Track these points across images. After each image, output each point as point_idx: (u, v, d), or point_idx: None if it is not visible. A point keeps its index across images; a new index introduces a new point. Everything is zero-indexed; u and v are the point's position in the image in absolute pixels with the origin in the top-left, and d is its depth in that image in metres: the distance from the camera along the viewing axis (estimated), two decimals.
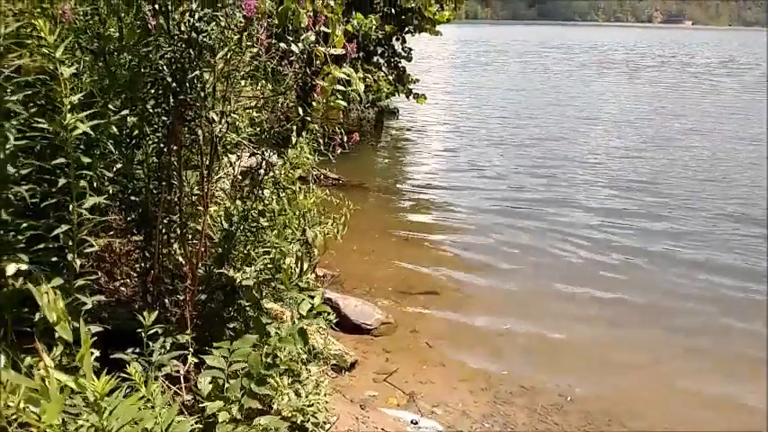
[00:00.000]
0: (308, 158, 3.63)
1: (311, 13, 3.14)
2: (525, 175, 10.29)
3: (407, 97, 14.51)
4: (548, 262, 6.69)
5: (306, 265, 4.26)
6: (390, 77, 14.06)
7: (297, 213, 4.12)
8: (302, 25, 3.06)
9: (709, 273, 6.43)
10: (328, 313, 4.60)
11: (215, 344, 2.62)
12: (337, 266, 6.03)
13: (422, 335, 4.92)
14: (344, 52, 3.21)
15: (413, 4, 13.44)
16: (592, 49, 50.63)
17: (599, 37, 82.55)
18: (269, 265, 3.65)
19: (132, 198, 3.24)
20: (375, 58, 14.18)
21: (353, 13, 12.20)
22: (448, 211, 8.49)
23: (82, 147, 2.34)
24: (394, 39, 14.38)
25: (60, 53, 2.11)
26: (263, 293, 3.70)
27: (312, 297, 4.21)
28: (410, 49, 15.13)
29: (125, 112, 2.67)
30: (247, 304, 3.38)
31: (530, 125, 15.17)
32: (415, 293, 5.75)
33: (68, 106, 2.12)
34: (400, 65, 14.78)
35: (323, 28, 3.19)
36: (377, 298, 5.56)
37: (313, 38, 3.11)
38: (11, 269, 2.03)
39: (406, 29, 14.21)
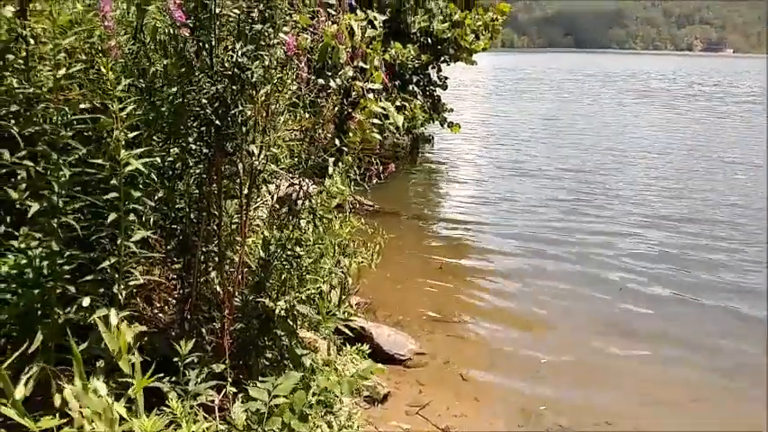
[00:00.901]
0: (344, 188, 3.68)
1: (350, 49, 3.21)
2: (559, 208, 10.14)
3: (442, 125, 14.59)
4: (585, 295, 6.58)
5: (342, 296, 4.31)
6: (425, 106, 14.17)
7: (333, 242, 4.17)
8: (341, 61, 3.13)
9: (751, 309, 6.26)
10: (362, 343, 4.67)
11: (260, 378, 2.65)
12: (370, 294, 6.04)
13: (456, 366, 4.88)
14: (382, 87, 3.27)
15: (449, 35, 13.57)
16: (629, 78, 50.20)
17: (637, 65, 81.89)
18: (305, 295, 3.69)
19: (173, 227, 3.32)
20: (411, 87, 14.33)
21: (391, 42, 12.39)
22: (481, 242, 8.45)
23: (129, 180, 2.41)
24: (430, 67, 14.53)
25: (119, 91, 2.19)
26: (299, 323, 3.74)
27: (348, 327, 4.26)
28: (446, 78, 15.25)
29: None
30: (282, 334, 3.42)
31: (564, 155, 15.03)
32: (449, 323, 5.72)
33: (122, 142, 2.20)
34: (435, 93, 14.90)
35: (361, 63, 3.25)
36: (410, 327, 5.54)
37: (351, 73, 3.17)
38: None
39: (442, 58, 14.35)
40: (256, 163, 3.12)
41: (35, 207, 2.20)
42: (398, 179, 11.61)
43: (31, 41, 2.36)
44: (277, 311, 3.43)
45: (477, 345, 5.36)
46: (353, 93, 3.35)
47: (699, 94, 36.05)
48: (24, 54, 2.37)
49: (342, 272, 4.42)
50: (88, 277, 2.30)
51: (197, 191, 3.23)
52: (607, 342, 5.49)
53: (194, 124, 2.86)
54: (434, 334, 5.48)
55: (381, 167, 3.54)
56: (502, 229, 8.90)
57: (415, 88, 14.53)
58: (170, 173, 2.95)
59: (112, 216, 2.25)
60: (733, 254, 8.02)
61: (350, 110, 3.33)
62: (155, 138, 2.86)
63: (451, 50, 14.04)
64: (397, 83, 13.06)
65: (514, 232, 8.74)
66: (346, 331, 4.27)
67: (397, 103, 12.45)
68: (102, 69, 2.15)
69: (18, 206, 2.34)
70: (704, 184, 12.24)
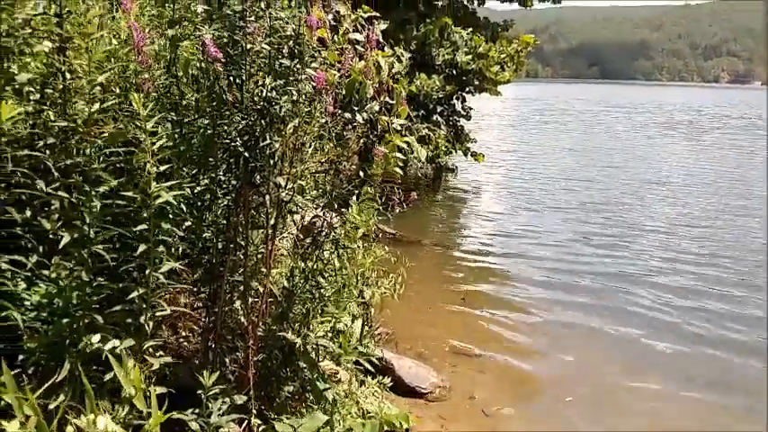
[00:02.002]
0: (366, 219, 3.71)
1: (377, 84, 3.25)
2: (582, 243, 9.97)
3: (466, 155, 14.64)
4: (607, 331, 6.47)
5: (364, 327, 4.30)
6: (449, 135, 14.24)
7: (355, 272, 4.18)
8: (368, 96, 3.17)
9: None
10: (384, 375, 4.64)
11: (280, 410, 2.65)
12: (391, 324, 6.00)
13: (478, 401, 4.81)
14: (408, 123, 3.30)
15: (474, 66, 13.67)
16: (655, 110, 49.97)
17: (663, 97, 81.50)
18: (327, 326, 3.70)
19: (200, 256, 3.35)
20: (435, 117, 14.42)
21: (417, 73, 12.52)
22: (504, 275, 8.37)
23: (159, 211, 2.45)
24: (454, 98, 14.63)
25: (151, 126, 2.25)
26: (321, 354, 3.73)
27: (370, 361, 4.24)
28: (470, 108, 15.34)
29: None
30: (305, 366, 3.41)
31: (588, 188, 14.89)
32: (472, 356, 5.66)
33: (153, 175, 2.24)
34: (459, 123, 14.97)
35: (387, 99, 3.29)
36: (431, 359, 5.49)
37: (377, 108, 3.21)
38: (95, 338, 2.12)
39: (467, 89, 14.44)
40: (283, 194, 3.16)
41: (67, 238, 2.25)
42: (421, 208, 11.61)
43: (68, 76, 2.43)
44: (299, 343, 3.43)
45: (500, 379, 5.29)
46: (379, 126, 3.38)
47: (725, 127, 35.71)
48: (61, 88, 2.45)
49: (364, 302, 4.43)
50: (116, 308, 2.33)
51: (224, 221, 3.26)
52: (631, 379, 5.39)
53: (224, 156, 2.90)
54: (457, 367, 5.42)
55: (404, 196, 3.55)
56: (524, 262, 8.83)
57: (439, 118, 14.61)
58: (199, 203, 2.99)
59: (142, 247, 2.29)
60: (758, 292, 7.84)
61: (375, 143, 3.36)
62: (185, 169, 2.91)
63: (476, 81, 14.13)
64: (421, 113, 13.16)
65: (537, 266, 8.66)
66: (366, 365, 4.24)
67: (421, 133, 12.56)
68: (135, 105, 2.20)
69: (51, 236, 2.39)
70: (730, 220, 12.02)
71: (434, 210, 12.35)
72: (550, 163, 18.94)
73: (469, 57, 13.74)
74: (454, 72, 13.89)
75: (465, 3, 15.69)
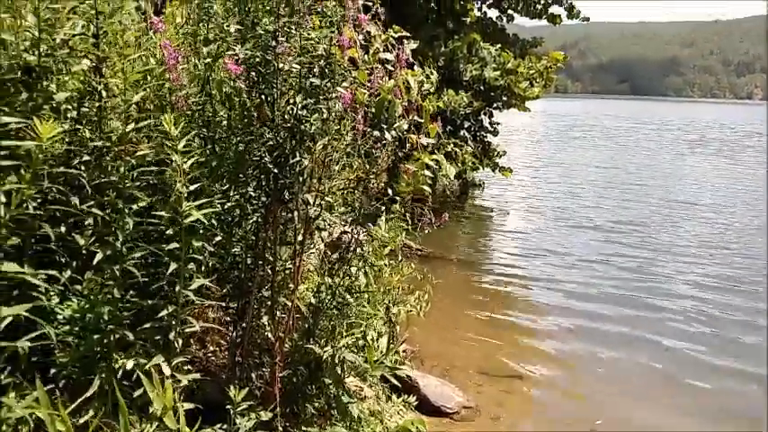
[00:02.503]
0: (394, 236, 3.71)
1: (406, 103, 3.26)
2: (609, 264, 9.75)
3: (493, 170, 14.57)
4: (634, 358, 6.31)
5: (390, 344, 4.29)
6: (476, 151, 14.20)
7: (382, 289, 4.18)
8: (397, 114, 3.18)
9: None
10: (409, 393, 4.62)
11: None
12: (417, 341, 5.97)
13: (504, 423, 4.75)
14: (435, 141, 3.30)
15: (502, 82, 13.64)
16: (686, 126, 49.24)
17: (694, 113, 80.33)
18: (353, 342, 3.70)
19: (229, 271, 3.38)
20: (462, 132, 14.41)
21: (445, 89, 12.54)
22: (531, 295, 8.26)
23: (190, 228, 2.48)
24: (482, 113, 14.60)
25: (182, 146, 2.28)
26: (346, 370, 3.73)
27: (395, 376, 4.22)
28: (497, 124, 15.29)
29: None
30: (330, 382, 3.41)
31: (616, 207, 14.65)
32: (498, 376, 5.60)
33: (185, 194, 2.27)
34: (486, 139, 14.93)
35: (416, 117, 3.30)
36: (457, 379, 5.44)
37: (406, 126, 3.22)
38: (129, 364, 2.15)
39: (495, 105, 14.40)
40: (311, 211, 3.18)
41: (100, 255, 2.29)
42: (448, 224, 11.49)
43: (104, 94, 2.48)
44: (325, 358, 3.43)
45: (526, 402, 5.22)
46: (408, 144, 3.39)
47: (758, 146, 35.00)
48: (97, 106, 2.50)
49: (390, 319, 4.42)
50: (146, 325, 2.36)
51: (253, 237, 3.29)
52: (659, 408, 5.27)
53: (254, 173, 2.93)
54: (482, 387, 5.36)
55: (434, 217, 3.55)
56: (552, 282, 8.70)
57: (467, 134, 14.60)
58: (229, 219, 3.03)
59: (173, 266, 2.32)
60: None
61: (403, 160, 3.37)
62: (216, 185, 2.95)
63: (504, 97, 14.09)
64: (448, 128, 13.15)
65: (564, 287, 8.50)
66: (393, 380, 4.23)
67: (448, 149, 12.54)
68: (167, 126, 2.24)
69: (84, 251, 2.43)
70: (764, 242, 11.69)
71: (461, 225, 12.29)
72: (578, 180, 18.74)
73: (498, 73, 13.71)
74: (482, 88, 13.88)
75: (494, 19, 15.71)
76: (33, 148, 1.91)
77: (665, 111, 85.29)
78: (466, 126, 14.69)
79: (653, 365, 6.16)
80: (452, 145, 12.55)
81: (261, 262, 3.21)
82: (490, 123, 15.16)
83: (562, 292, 8.25)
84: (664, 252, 10.66)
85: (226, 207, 3.04)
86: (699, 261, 10.18)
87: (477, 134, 14.93)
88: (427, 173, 3.35)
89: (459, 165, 13.00)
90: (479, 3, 14.98)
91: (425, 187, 3.30)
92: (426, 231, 3.65)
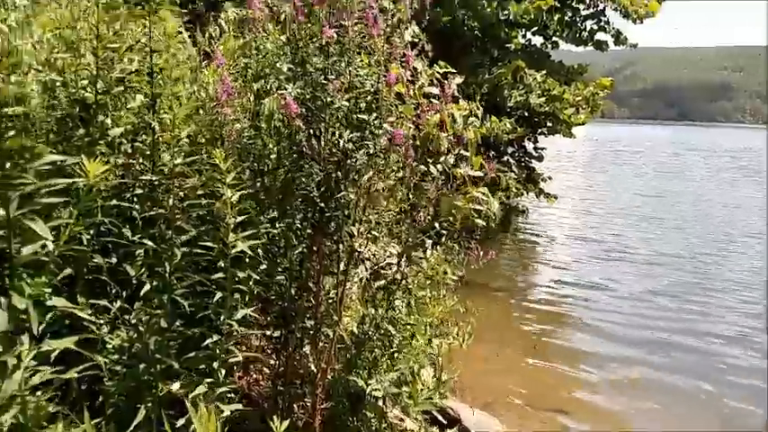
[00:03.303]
0: (439, 270, 3.68)
1: (452, 137, 3.26)
2: (657, 297, 9.42)
3: (537, 197, 14.40)
4: (678, 399, 6.05)
5: (433, 377, 4.24)
6: (520, 177, 14.07)
7: (425, 321, 4.14)
8: (443, 149, 3.18)
9: None
10: (450, 425, 4.54)
11: None
12: (458, 372, 5.89)
13: None
14: (483, 174, 3.29)
15: (547, 108, 13.53)
16: (737, 153, 47.88)
17: (746, 140, 78.10)
18: (396, 375, 3.66)
19: (273, 299, 3.41)
20: (505, 158, 14.32)
21: (488, 116, 12.49)
22: (575, 327, 8.07)
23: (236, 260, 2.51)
24: (526, 139, 14.49)
25: (230, 179, 2.32)
26: (388, 403, 3.70)
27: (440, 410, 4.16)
28: (542, 149, 15.15)
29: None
30: (372, 416, 3.38)
31: (663, 237, 14.18)
32: (540, 409, 5.48)
33: (232, 226, 2.31)
34: (531, 164, 14.79)
35: (462, 151, 3.30)
36: (499, 411, 5.34)
37: (452, 161, 3.22)
38: (175, 387, 2.18)
39: (540, 130, 14.29)
40: (356, 244, 3.19)
41: (148, 286, 2.33)
42: (491, 249, 11.34)
43: (158, 128, 2.55)
44: (368, 391, 3.41)
45: None
46: (454, 178, 3.38)
47: None
48: (150, 140, 2.57)
49: (432, 353, 4.37)
50: (191, 354, 2.39)
51: (298, 267, 3.31)
52: None
53: (301, 205, 2.97)
54: (525, 420, 5.25)
55: (481, 252, 3.52)
56: (597, 314, 8.47)
57: (510, 159, 14.51)
58: (275, 249, 3.06)
59: (219, 295, 2.35)
60: None
61: (451, 194, 3.36)
62: (262, 216, 2.98)
63: (549, 123, 13.97)
64: (491, 153, 13.09)
65: (609, 318, 8.29)
66: (437, 415, 4.17)
67: (492, 175, 12.48)
68: (217, 161, 2.28)
69: (134, 282, 2.49)
70: None
71: (504, 253, 12.14)
72: (624, 208, 18.31)
73: (543, 99, 13.62)
74: (526, 114, 13.80)
75: (538, 46, 15.65)
76: (81, 185, 1.98)
77: (715, 137, 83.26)
78: (510, 152, 14.60)
79: (698, 405, 5.93)
80: (496, 171, 12.46)
81: (304, 293, 3.23)
82: (535, 149, 15.04)
83: (609, 325, 8.05)
84: (715, 285, 10.26)
85: (271, 237, 3.08)
86: (752, 294, 9.79)
87: (522, 160, 14.82)
88: (476, 206, 3.32)
89: (503, 190, 12.89)
90: (524, 30, 14.94)
91: (478, 221, 3.28)
92: (472, 267, 3.61)
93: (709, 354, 7.19)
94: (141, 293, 2.43)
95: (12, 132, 1.91)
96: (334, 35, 2.55)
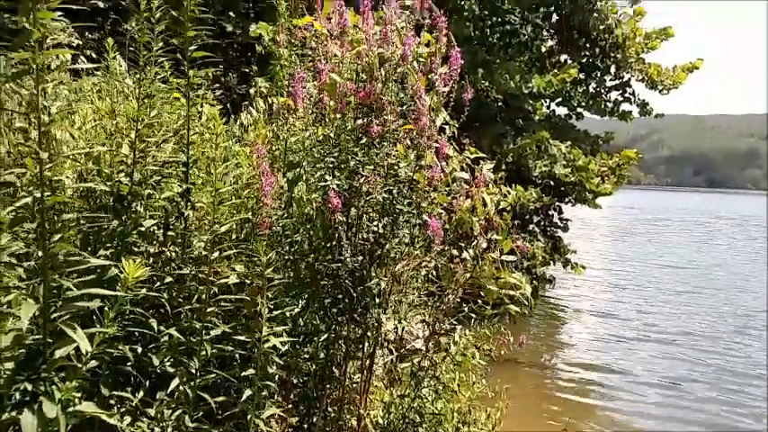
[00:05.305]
0: (470, 356, 3.58)
1: (483, 220, 3.22)
2: (688, 382, 8.89)
3: (564, 267, 14.18)
4: None
5: None
6: (546, 247, 13.90)
7: (453, 409, 4.00)
8: (475, 233, 3.14)
9: None
10: None
11: None
12: None
13: None
14: (514, 259, 3.23)
15: (572, 178, 13.49)
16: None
17: None
18: None
19: (297, 386, 3.32)
20: (531, 227, 14.20)
21: (513, 186, 12.48)
22: (605, 409, 7.74)
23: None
24: (551, 208, 14.40)
25: (269, 271, 2.28)
26: None
27: None
28: (567, 220, 15.02)
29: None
30: None
31: (693, 315, 13.54)
32: None
33: (266, 320, 2.26)
34: (557, 234, 14.64)
35: (493, 235, 3.25)
36: None
37: (484, 245, 3.17)
38: None
39: (566, 200, 14.20)
40: (383, 331, 3.12)
41: (176, 381, 2.27)
42: (517, 322, 11.06)
43: (191, 215, 2.55)
44: None
45: None
46: (485, 261, 3.32)
47: None
48: (183, 228, 2.56)
49: None
50: None
51: (324, 352, 3.24)
52: None
53: (331, 292, 2.92)
54: None
55: (512, 338, 3.43)
56: (627, 398, 8.08)
57: (536, 228, 14.39)
58: (301, 337, 3.00)
59: (248, 392, 2.28)
60: None
61: (480, 281, 3.29)
62: (291, 301, 2.94)
63: (575, 193, 13.90)
64: (516, 222, 12.99)
65: (640, 401, 7.94)
66: None
67: (517, 244, 12.36)
68: (258, 252, 2.25)
69: (158, 371, 2.43)
70: None
71: (531, 324, 11.86)
72: (651, 282, 17.79)
73: (568, 170, 13.61)
74: (552, 183, 13.77)
75: (563, 116, 15.74)
76: (120, 291, 1.95)
77: (745, 205, 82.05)
78: (535, 221, 14.51)
79: None
80: (521, 240, 12.33)
81: (328, 384, 3.15)
82: (560, 219, 14.93)
83: (641, 408, 7.72)
84: (750, 371, 9.70)
85: (298, 323, 3.02)
86: None
87: (547, 229, 14.70)
88: (510, 292, 3.25)
89: (529, 259, 12.74)
90: (548, 101, 15.07)
91: (512, 307, 3.20)
92: (502, 352, 3.51)
93: None
94: (165, 383, 2.36)
95: (57, 237, 1.91)
96: (380, 130, 2.56)
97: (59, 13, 2.02)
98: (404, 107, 2.66)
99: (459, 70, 2.98)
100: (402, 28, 2.84)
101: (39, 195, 1.90)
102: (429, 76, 2.90)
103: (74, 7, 2.03)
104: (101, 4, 8.56)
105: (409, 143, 2.71)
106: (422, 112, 2.61)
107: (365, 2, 2.86)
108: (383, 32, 2.75)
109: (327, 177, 2.61)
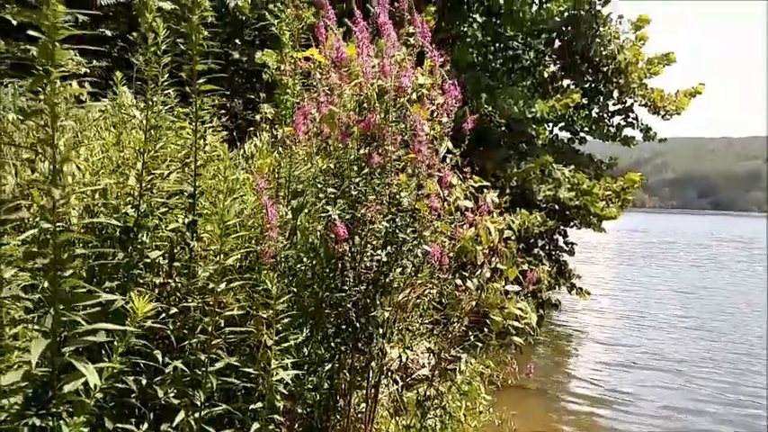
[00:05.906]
0: (476, 387, 3.57)
1: (487, 249, 3.22)
2: (695, 414, 8.66)
3: (570, 292, 14.10)
4: None
5: None
6: (552, 271, 13.85)
7: None
8: (479, 262, 3.14)
9: None
10: None
11: None
12: None
13: None
14: (519, 289, 3.22)
15: (577, 202, 13.49)
16: None
17: None
18: None
19: (300, 413, 3.29)
20: (536, 251, 14.16)
21: (518, 209, 12.48)
22: None
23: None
24: (556, 232, 14.37)
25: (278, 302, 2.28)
26: None
27: None
28: (573, 244, 14.97)
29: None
30: None
31: (700, 340, 13.32)
32: None
33: (275, 353, 2.25)
34: (562, 258, 14.58)
35: (498, 264, 3.25)
36: None
37: (488, 275, 3.16)
38: None
39: (571, 224, 14.17)
40: (387, 360, 3.11)
41: (181, 415, 2.26)
42: (523, 348, 10.96)
43: (196, 247, 2.55)
44: None
45: None
46: (490, 291, 3.32)
47: None
48: (188, 258, 2.57)
49: None
50: None
51: (328, 382, 3.22)
52: None
53: (335, 321, 2.92)
54: None
55: (518, 367, 3.41)
56: (633, 422, 8.01)
57: (541, 252, 14.35)
58: (306, 368, 2.98)
59: (255, 426, 2.27)
60: None
61: (486, 311, 3.28)
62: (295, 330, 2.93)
63: (579, 217, 13.89)
64: (521, 246, 12.95)
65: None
66: None
67: (522, 268, 12.31)
68: (268, 284, 2.25)
69: (163, 402, 2.42)
70: None
71: (537, 350, 11.75)
72: (657, 307, 17.60)
73: (573, 193, 13.62)
74: (556, 207, 13.76)
75: (566, 141, 15.78)
76: (129, 326, 1.95)
77: (750, 227, 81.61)
78: (540, 245, 14.47)
79: None
80: (526, 264, 12.28)
81: (333, 414, 3.13)
82: (565, 243, 14.88)
83: None
84: (760, 401, 9.51)
85: (302, 353, 3.01)
86: None
87: (552, 253, 14.65)
88: (515, 324, 3.24)
89: (534, 284, 12.64)
90: (551, 125, 15.13)
91: (516, 339, 3.19)
92: (509, 381, 3.49)
93: None
94: (170, 415, 2.35)
95: (69, 272, 1.92)
96: (381, 161, 2.59)
97: (66, 45, 2.04)
98: (405, 136, 2.68)
99: (457, 100, 3.01)
100: (402, 60, 2.87)
101: (50, 228, 1.91)
102: (429, 107, 2.92)
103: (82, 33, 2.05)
104: (108, 33, 8.68)
105: (410, 172, 2.72)
106: (422, 142, 2.63)
107: (360, 36, 2.89)
108: (381, 65, 2.79)
109: (328, 207, 2.63)
